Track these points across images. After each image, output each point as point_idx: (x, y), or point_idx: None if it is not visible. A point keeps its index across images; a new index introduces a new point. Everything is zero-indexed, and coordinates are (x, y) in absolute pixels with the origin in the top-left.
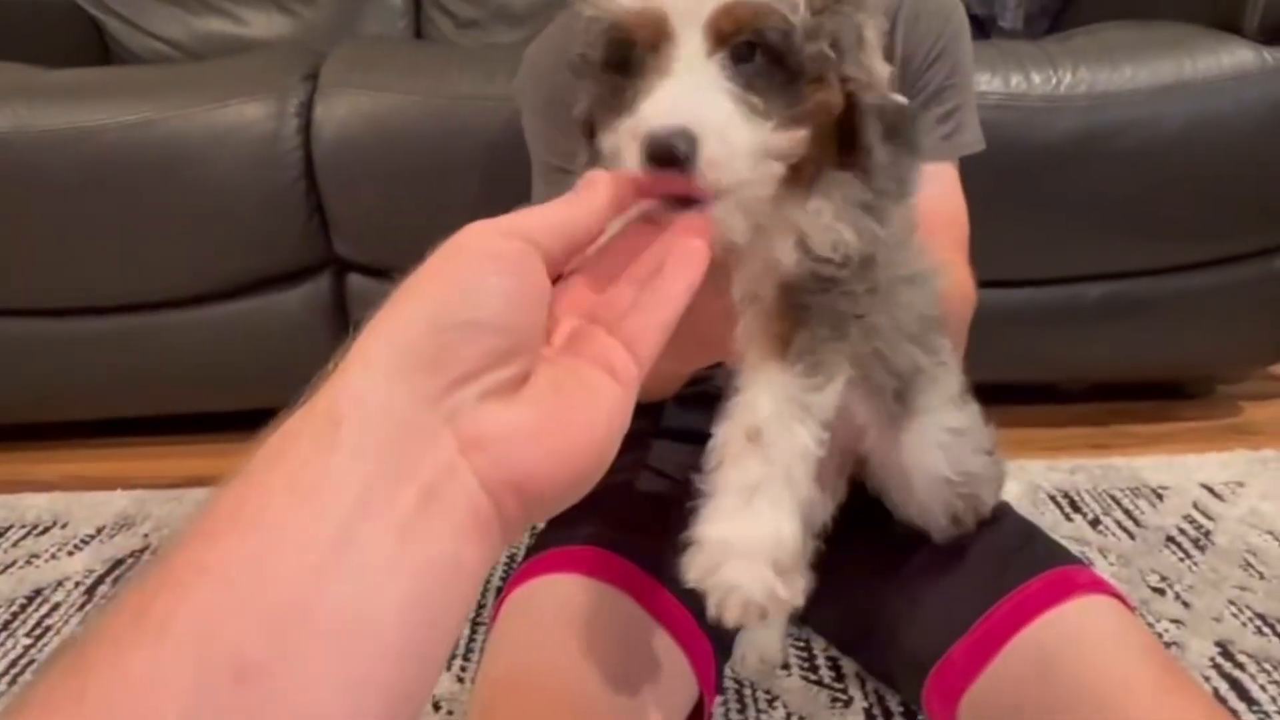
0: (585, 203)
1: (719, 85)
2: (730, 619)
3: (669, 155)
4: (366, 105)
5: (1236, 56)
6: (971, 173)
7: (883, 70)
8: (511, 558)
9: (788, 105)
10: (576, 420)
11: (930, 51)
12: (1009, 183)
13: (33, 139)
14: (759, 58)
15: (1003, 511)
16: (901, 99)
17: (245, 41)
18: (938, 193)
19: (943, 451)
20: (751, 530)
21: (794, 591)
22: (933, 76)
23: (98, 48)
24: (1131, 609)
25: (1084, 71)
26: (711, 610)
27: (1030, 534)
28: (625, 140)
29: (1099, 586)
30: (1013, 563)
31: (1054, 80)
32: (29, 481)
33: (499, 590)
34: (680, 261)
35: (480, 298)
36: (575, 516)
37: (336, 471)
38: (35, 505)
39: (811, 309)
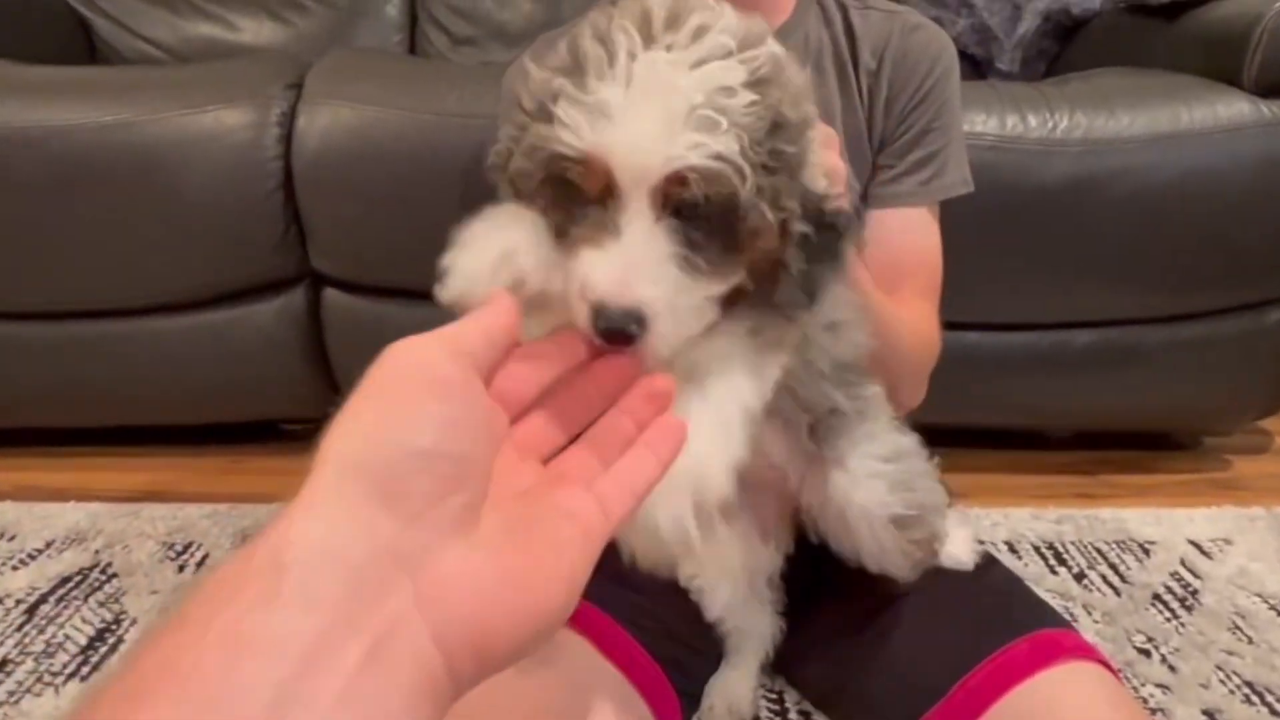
0: (498, 313)
1: (666, 253)
2: (635, 548)
3: (620, 333)
4: (350, 118)
5: (1233, 108)
6: (962, 214)
7: (822, 185)
8: None
9: (728, 257)
10: (540, 573)
11: (917, 92)
12: (1000, 225)
13: (4, 135)
14: (703, 218)
15: (986, 562)
16: (840, 207)
17: (235, 48)
18: (910, 240)
19: (880, 480)
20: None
21: (705, 537)
22: (918, 117)
23: (85, 48)
24: (1117, 676)
25: (1080, 116)
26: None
27: (1014, 590)
28: (574, 297)
29: (1085, 652)
30: (996, 622)
31: (1050, 124)
32: None
33: None
34: (660, 438)
35: (431, 423)
36: None
37: (278, 627)
38: None
39: None
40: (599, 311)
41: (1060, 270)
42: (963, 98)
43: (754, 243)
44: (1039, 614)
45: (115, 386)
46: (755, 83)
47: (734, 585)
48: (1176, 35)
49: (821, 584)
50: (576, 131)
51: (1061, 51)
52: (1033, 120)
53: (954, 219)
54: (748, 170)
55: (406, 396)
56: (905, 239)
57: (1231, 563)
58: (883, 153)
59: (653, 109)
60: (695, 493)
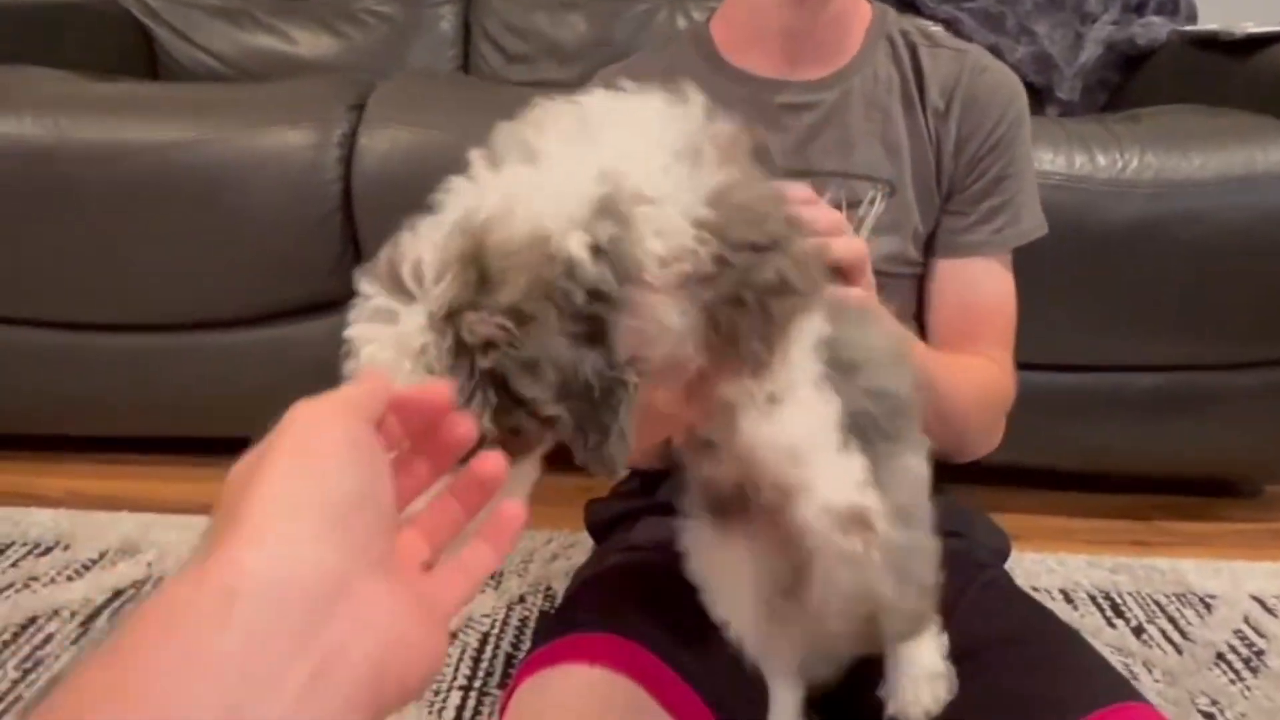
0: (374, 379)
1: None
2: None
3: None
4: (410, 141)
5: None
6: (1026, 253)
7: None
8: (524, 623)
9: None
10: (423, 633)
11: (989, 138)
12: (1064, 266)
13: (72, 152)
14: None
15: (1043, 619)
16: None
17: (293, 61)
18: (987, 289)
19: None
20: None
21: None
22: (990, 164)
23: (146, 58)
24: None
25: (1151, 156)
26: None
27: (1080, 656)
28: None
29: None
30: (1062, 695)
31: (1120, 163)
32: (33, 495)
33: (509, 658)
34: (498, 533)
35: (352, 471)
36: (600, 598)
37: (229, 651)
38: (39, 522)
39: None
40: None
41: (1124, 312)
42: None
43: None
44: (1110, 684)
45: (169, 398)
46: None
47: (739, 595)
48: (1249, 72)
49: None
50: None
51: (1124, 82)
52: (1102, 159)
53: (1018, 258)
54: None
55: (330, 447)
56: (981, 289)
57: None
58: (953, 199)
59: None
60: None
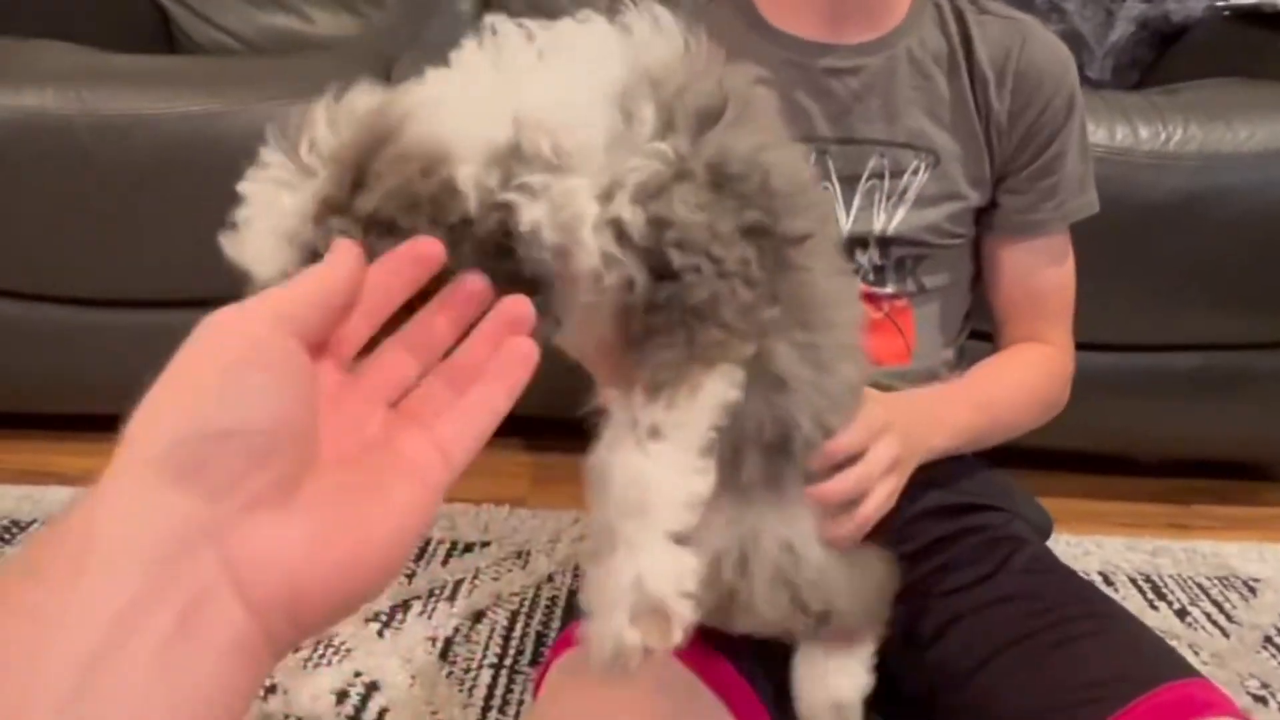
0: (336, 267)
1: None
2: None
3: None
4: None
5: None
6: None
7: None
8: (553, 601)
9: None
10: (362, 529)
11: (1044, 113)
12: (1105, 241)
13: (94, 123)
14: None
15: (1090, 595)
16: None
17: (311, 39)
18: (1052, 269)
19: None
20: (605, 581)
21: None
22: (1049, 140)
23: (163, 36)
24: None
25: (1194, 129)
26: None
27: (1133, 633)
28: None
29: (1224, 708)
30: (1119, 670)
31: (1162, 136)
32: (51, 473)
33: (539, 637)
34: (506, 365)
35: (237, 399)
36: None
37: (85, 600)
38: (59, 500)
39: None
40: None
41: (1165, 290)
42: None
43: None
44: (1167, 662)
45: None
46: None
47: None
48: None
49: (926, 592)
50: None
51: (1156, 60)
52: (1144, 132)
53: None
54: None
55: (212, 373)
56: (1044, 269)
57: None
58: (1010, 177)
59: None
60: (630, 609)
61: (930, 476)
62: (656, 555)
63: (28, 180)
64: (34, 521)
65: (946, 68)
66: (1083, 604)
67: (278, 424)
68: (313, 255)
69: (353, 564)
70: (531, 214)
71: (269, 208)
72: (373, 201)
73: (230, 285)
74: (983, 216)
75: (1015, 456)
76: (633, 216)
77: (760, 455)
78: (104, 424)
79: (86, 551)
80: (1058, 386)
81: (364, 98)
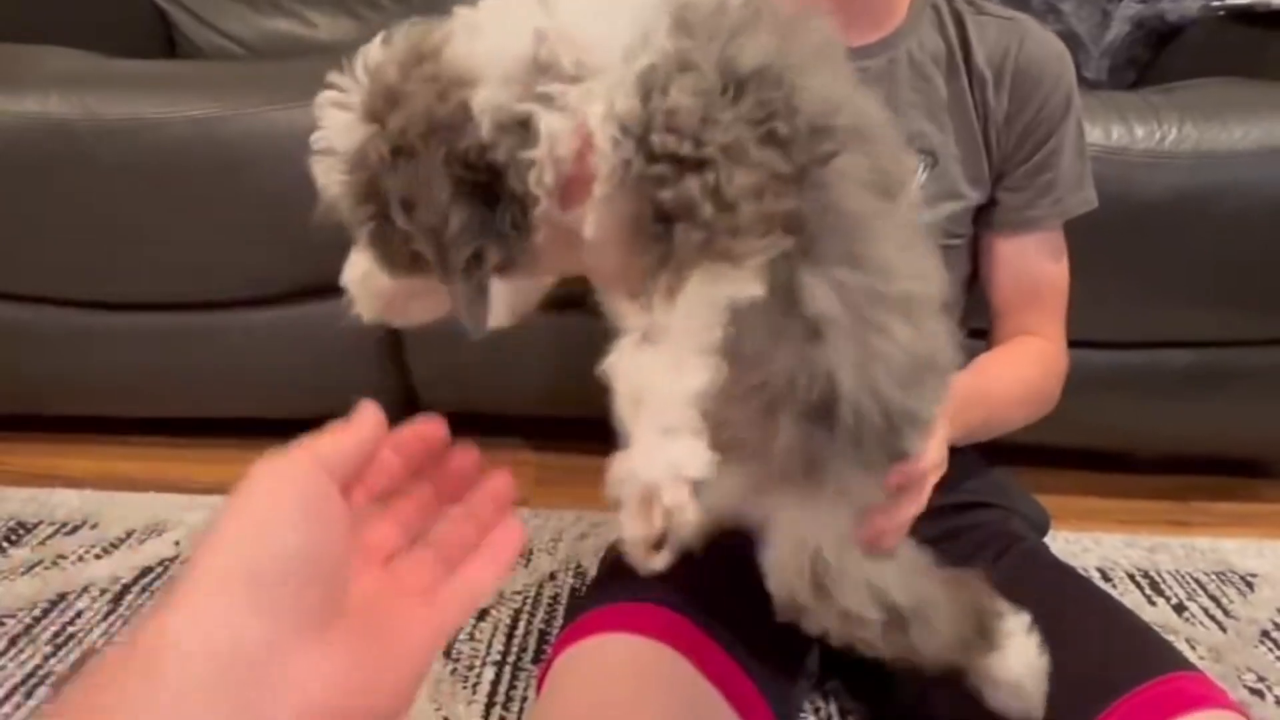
0: (364, 427)
1: (361, 247)
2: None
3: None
4: None
5: None
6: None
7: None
8: (555, 599)
9: (392, 261)
10: (382, 676)
11: (1041, 110)
12: (1100, 240)
13: (96, 127)
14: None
15: (1084, 590)
16: None
17: (312, 43)
18: (1048, 264)
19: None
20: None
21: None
22: (1044, 137)
23: (164, 41)
24: None
25: (1190, 128)
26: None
27: (1128, 626)
28: None
29: (1218, 701)
30: (1113, 663)
31: (1158, 134)
32: (58, 475)
33: (541, 634)
34: (500, 545)
35: (289, 533)
36: (616, 574)
37: (157, 703)
38: (65, 503)
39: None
40: None
41: (1161, 287)
42: None
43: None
44: (1162, 653)
45: (192, 378)
46: None
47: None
48: None
49: None
50: None
51: (1152, 60)
52: (1140, 131)
53: None
54: (344, 201)
55: (271, 507)
56: (1039, 264)
57: None
58: (1008, 175)
59: (323, 162)
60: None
61: None
62: (650, 444)
63: (32, 184)
64: (39, 523)
65: (945, 69)
66: (1077, 598)
67: (323, 558)
68: (365, 167)
69: (377, 704)
70: (549, 123)
71: (329, 126)
72: (400, 121)
73: (232, 288)
74: (980, 214)
75: (1014, 453)
76: (629, 108)
77: (797, 423)
78: (109, 426)
79: (159, 660)
80: (1052, 382)
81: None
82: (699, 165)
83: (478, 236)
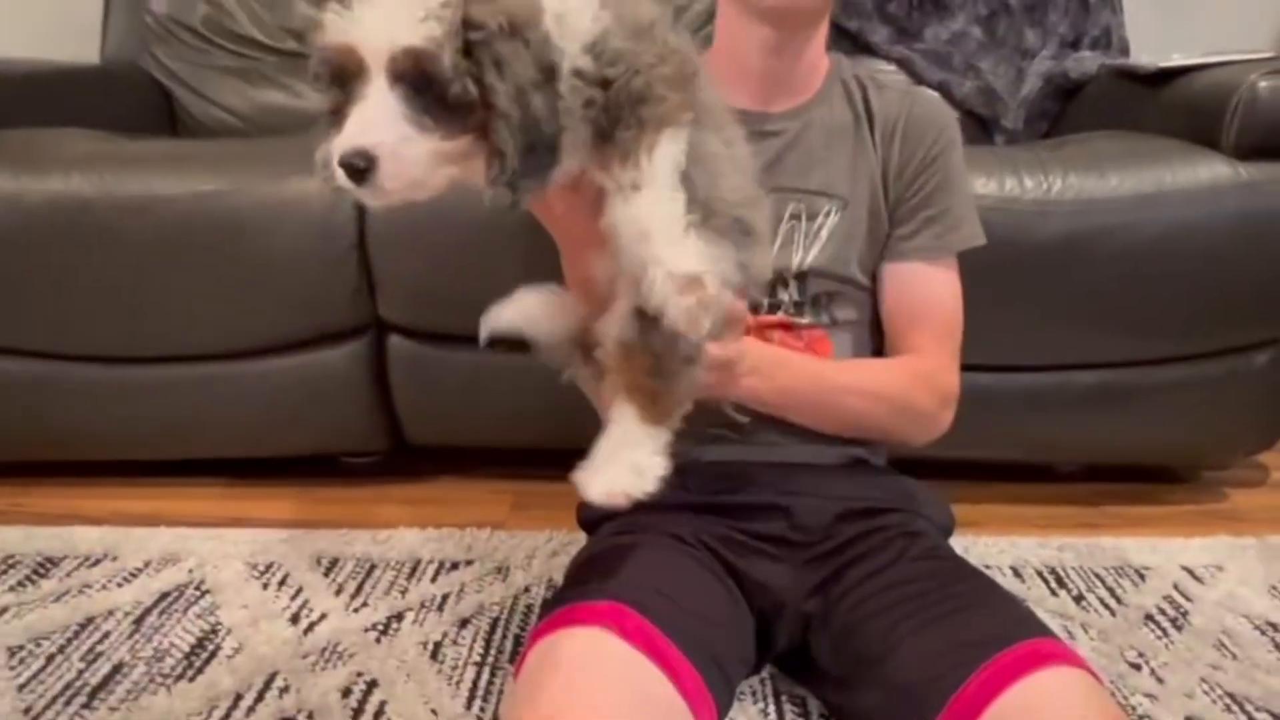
0: None
1: (394, 111)
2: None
3: (351, 169)
4: None
5: (1213, 170)
6: (969, 267)
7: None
8: (529, 609)
9: (450, 119)
10: None
11: (925, 158)
12: (1004, 277)
13: (114, 204)
14: (423, 88)
15: (959, 572)
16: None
17: (301, 113)
18: (927, 290)
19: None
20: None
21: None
22: (927, 180)
23: (166, 114)
24: (1098, 679)
25: (1073, 178)
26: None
27: (1006, 603)
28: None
29: (1066, 658)
30: (986, 635)
31: (1045, 185)
32: (79, 515)
33: (517, 638)
34: None
35: None
36: (594, 575)
37: None
38: (87, 538)
39: None
40: (339, 157)
41: (1059, 317)
42: (966, 161)
43: (466, 110)
44: (1026, 625)
45: (201, 423)
46: None
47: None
48: (1164, 101)
49: (845, 561)
50: (337, 30)
51: (1062, 112)
52: (1029, 182)
53: (963, 272)
54: (446, 52)
55: None
56: (921, 290)
57: (1222, 587)
58: (897, 212)
59: (384, 10)
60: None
61: (845, 489)
62: (674, 250)
63: (56, 254)
64: (65, 558)
65: (853, 131)
66: (964, 583)
67: None
68: (478, 28)
69: None
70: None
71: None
72: (510, 10)
73: (237, 341)
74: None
75: (943, 468)
76: (586, 63)
77: None
78: (123, 469)
79: None
80: (920, 395)
81: None
82: (647, 68)
83: (548, 118)
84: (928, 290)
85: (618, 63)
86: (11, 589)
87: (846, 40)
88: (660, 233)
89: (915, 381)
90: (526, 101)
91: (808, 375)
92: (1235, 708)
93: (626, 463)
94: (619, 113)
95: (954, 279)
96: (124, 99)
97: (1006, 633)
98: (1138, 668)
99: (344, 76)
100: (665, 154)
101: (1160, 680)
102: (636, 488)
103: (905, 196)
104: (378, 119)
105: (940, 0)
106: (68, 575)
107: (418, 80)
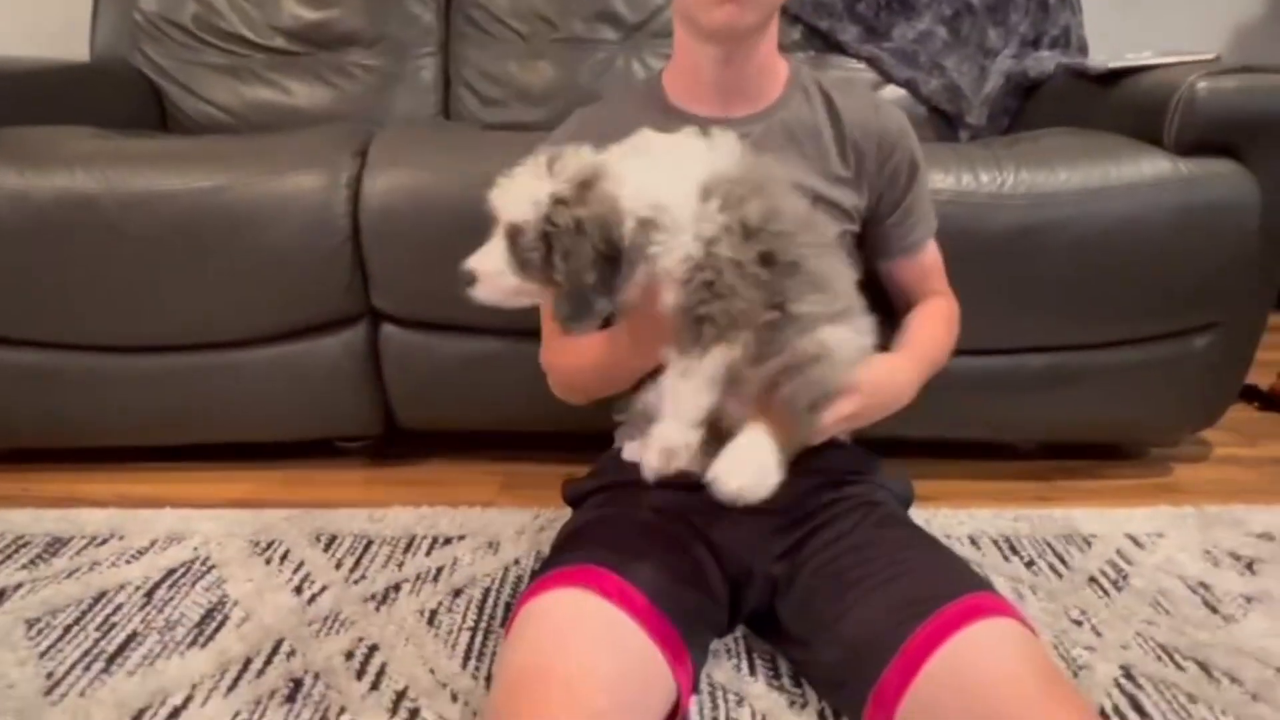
0: None
1: (501, 254)
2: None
3: (466, 279)
4: (407, 180)
5: (1156, 165)
6: None
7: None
8: (519, 578)
9: (530, 274)
10: None
11: (903, 161)
12: (960, 267)
13: (117, 199)
14: (521, 248)
15: (910, 537)
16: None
17: (290, 110)
18: (932, 259)
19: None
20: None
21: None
22: (910, 182)
23: (157, 111)
24: (1032, 630)
25: (1025, 174)
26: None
27: (952, 563)
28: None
29: (1001, 610)
30: (936, 589)
31: (999, 180)
32: (84, 499)
33: (508, 605)
34: None
35: None
36: (579, 543)
37: None
38: (93, 520)
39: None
40: (461, 267)
41: (1013, 304)
42: (926, 157)
43: (538, 269)
44: (964, 580)
45: (202, 409)
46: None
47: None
48: (1113, 100)
49: (811, 528)
50: (493, 192)
51: (1022, 108)
52: (984, 177)
53: None
54: (530, 233)
55: None
56: (932, 260)
57: (1161, 552)
58: (895, 212)
59: (513, 191)
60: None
61: (815, 463)
62: (674, 427)
63: (62, 248)
64: (73, 538)
65: (812, 132)
66: (913, 548)
67: None
68: (552, 224)
69: None
70: (662, 260)
71: (525, 183)
72: (583, 212)
73: (237, 331)
74: (870, 244)
75: (905, 446)
76: (697, 252)
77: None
78: (125, 455)
79: None
80: (956, 321)
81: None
82: (723, 294)
83: (598, 287)
84: (932, 259)
85: (702, 276)
86: (24, 567)
87: (817, 39)
88: (679, 413)
89: (953, 318)
90: (579, 279)
91: (915, 363)
92: (1165, 657)
93: (757, 465)
94: (689, 316)
95: (934, 243)
96: (114, 96)
97: (946, 589)
98: (1080, 624)
99: (491, 221)
100: (714, 363)
101: (1099, 634)
102: (766, 488)
103: (892, 195)
104: (489, 254)
105: (907, 0)
106: (77, 554)
107: (515, 241)
